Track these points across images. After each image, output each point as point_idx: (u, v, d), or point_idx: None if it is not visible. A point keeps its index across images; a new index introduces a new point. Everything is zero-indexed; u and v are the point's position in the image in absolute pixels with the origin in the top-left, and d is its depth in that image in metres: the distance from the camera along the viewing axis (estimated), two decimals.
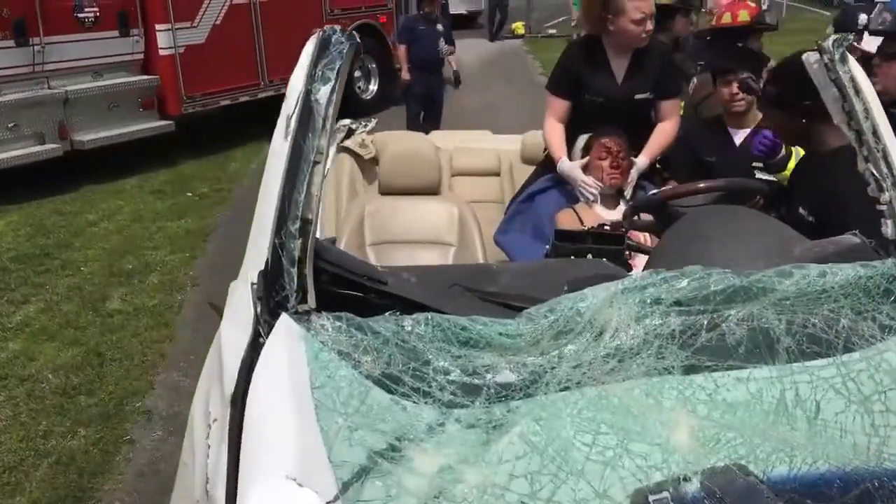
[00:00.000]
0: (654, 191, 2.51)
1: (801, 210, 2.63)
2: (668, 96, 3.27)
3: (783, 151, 2.87)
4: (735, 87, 3.18)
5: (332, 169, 4.10)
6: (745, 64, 3.22)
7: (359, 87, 11.94)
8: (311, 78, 1.93)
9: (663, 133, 3.26)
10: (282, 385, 1.72)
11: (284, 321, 1.81)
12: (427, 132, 5.28)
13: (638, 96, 3.23)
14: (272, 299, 1.85)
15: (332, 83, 1.93)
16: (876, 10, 3.07)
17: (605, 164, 3.10)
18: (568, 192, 3.27)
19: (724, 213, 2.31)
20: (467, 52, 14.35)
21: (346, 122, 4.46)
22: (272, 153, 1.98)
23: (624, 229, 3.05)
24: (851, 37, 2.08)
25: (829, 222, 2.37)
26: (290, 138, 1.91)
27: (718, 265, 2.06)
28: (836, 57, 2.03)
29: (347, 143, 4.25)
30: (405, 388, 1.78)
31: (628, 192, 3.17)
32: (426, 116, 9.38)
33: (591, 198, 3.13)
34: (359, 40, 1.97)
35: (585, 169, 3.15)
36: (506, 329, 1.84)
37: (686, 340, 1.80)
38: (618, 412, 1.71)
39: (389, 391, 1.77)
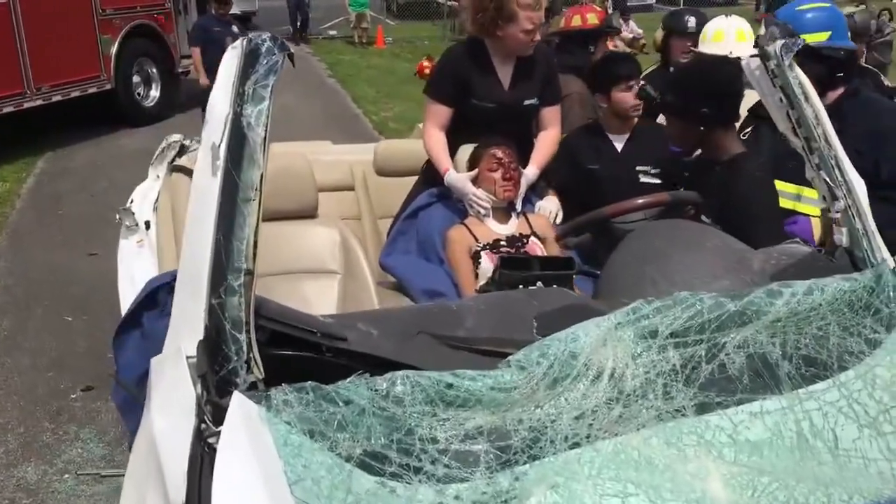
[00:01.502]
0: (596, 211, 2.36)
1: (703, 217, 2.61)
2: (551, 103, 3.15)
3: None
4: (636, 94, 3.13)
5: (166, 193, 3.61)
6: (635, 70, 3.18)
7: (139, 94, 10.99)
8: (239, 98, 1.57)
9: (548, 141, 3.14)
10: (253, 485, 1.37)
11: (238, 402, 1.45)
12: None
13: (526, 102, 3.08)
14: (216, 375, 1.48)
15: (265, 103, 1.58)
16: (764, 22, 3.14)
17: (497, 175, 2.92)
18: (455, 207, 3.05)
19: (671, 227, 2.21)
20: None
21: (177, 137, 3.98)
22: (196, 193, 1.60)
23: (519, 244, 2.92)
24: (801, 42, 2.04)
25: (731, 229, 2.34)
26: (220, 173, 1.54)
27: (683, 284, 1.95)
28: (786, 63, 1.98)
29: (182, 161, 3.77)
30: (392, 466, 1.49)
31: (519, 205, 3.01)
32: None
33: (484, 212, 2.95)
34: (291, 49, 1.63)
35: (475, 181, 2.96)
36: (497, 382, 1.60)
37: (689, 375, 1.66)
38: (641, 468, 1.53)
39: (375, 472, 1.48)
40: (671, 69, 4.20)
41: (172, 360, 1.54)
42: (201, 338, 1.49)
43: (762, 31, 2.91)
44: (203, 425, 1.46)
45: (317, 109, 11.60)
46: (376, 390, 1.55)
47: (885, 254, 1.95)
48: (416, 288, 2.83)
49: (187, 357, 1.49)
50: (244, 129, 1.56)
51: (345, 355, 1.64)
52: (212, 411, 1.46)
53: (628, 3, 17.82)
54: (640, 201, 2.35)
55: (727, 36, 3.70)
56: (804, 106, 1.98)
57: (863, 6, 4.65)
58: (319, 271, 2.92)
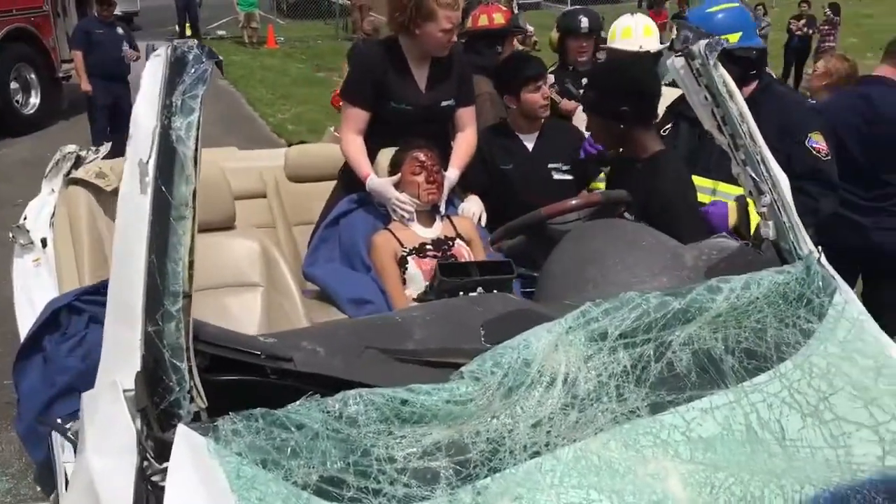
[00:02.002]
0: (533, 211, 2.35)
1: (626, 215, 2.64)
2: (467, 104, 3.13)
3: None
4: (545, 91, 3.14)
5: (63, 207, 3.41)
6: (543, 71, 3.19)
7: (17, 102, 10.39)
8: (167, 109, 1.47)
9: (466, 142, 3.11)
10: None
11: (183, 435, 1.36)
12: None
13: (443, 103, 3.04)
14: (157, 408, 1.39)
15: (196, 114, 1.49)
16: (675, 27, 3.20)
17: (421, 179, 2.87)
18: (377, 212, 2.99)
19: (607, 227, 2.21)
20: None
21: (72, 148, 3.76)
22: (123, 213, 1.49)
23: (445, 247, 2.88)
24: (724, 42, 2.08)
25: (654, 225, 2.38)
26: (150, 190, 1.44)
27: (620, 283, 1.96)
28: (710, 62, 2.01)
29: (78, 173, 3.56)
30: (350, 490, 1.44)
31: (443, 208, 2.98)
32: (114, 129, 8.41)
33: (408, 216, 2.90)
34: (220, 57, 1.54)
35: (398, 185, 2.90)
36: (453, 395, 1.56)
37: (640, 375, 1.66)
38: (602, 472, 1.52)
39: (333, 498, 1.42)
40: (570, 68, 4.26)
41: (107, 395, 1.43)
42: (138, 369, 1.39)
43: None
44: (146, 463, 1.36)
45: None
46: (328, 412, 1.48)
47: (811, 245, 2.01)
48: (343, 297, 2.76)
49: (124, 391, 1.39)
50: (174, 142, 1.46)
51: (291, 376, 1.57)
52: (154, 447, 1.37)
53: (518, 2, 18.11)
54: (574, 202, 2.36)
55: (635, 32, 3.77)
56: (729, 104, 2.02)
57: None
58: (241, 285, 2.80)
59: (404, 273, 2.82)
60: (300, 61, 16.23)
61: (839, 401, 1.72)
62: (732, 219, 2.73)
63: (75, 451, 2.00)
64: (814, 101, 3.87)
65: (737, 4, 3.06)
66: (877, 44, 16.95)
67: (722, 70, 2.03)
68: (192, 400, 1.42)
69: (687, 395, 1.65)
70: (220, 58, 1.54)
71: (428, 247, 2.86)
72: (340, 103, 9.34)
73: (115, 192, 3.59)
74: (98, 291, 3.21)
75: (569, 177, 3.25)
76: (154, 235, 1.43)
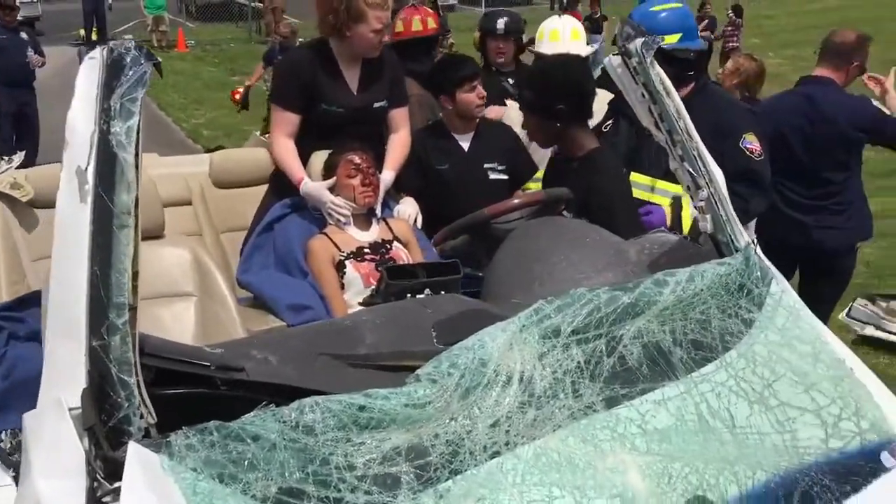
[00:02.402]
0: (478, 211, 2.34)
1: (564, 213, 2.66)
2: (399, 104, 3.11)
3: None
4: (480, 92, 3.13)
5: None
6: (477, 71, 3.19)
7: None
8: (105, 114, 1.41)
9: (400, 143, 3.09)
10: None
11: (135, 453, 1.30)
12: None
13: (376, 105, 3.02)
14: (106, 425, 1.32)
15: (136, 118, 1.43)
16: (618, 25, 3.24)
17: (356, 182, 2.83)
18: (311, 216, 2.94)
19: (550, 225, 2.22)
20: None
21: None
22: (61, 224, 1.42)
23: (383, 250, 2.86)
24: (660, 40, 2.11)
25: (592, 222, 2.41)
26: (90, 198, 1.38)
27: (567, 280, 1.98)
28: (647, 60, 2.04)
29: None
30: (311, 500, 1.40)
31: (379, 210, 2.95)
32: (20, 137, 8.09)
33: (344, 220, 2.86)
34: (158, 59, 1.48)
35: (333, 189, 2.86)
36: (411, 399, 1.54)
37: (593, 370, 1.68)
38: (563, 469, 1.53)
39: None
40: (493, 69, 4.28)
41: (52, 414, 1.35)
42: (84, 385, 1.33)
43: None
44: (96, 483, 1.30)
45: None
46: (284, 421, 1.45)
47: (747, 237, 2.07)
48: (281, 303, 2.70)
49: (69, 409, 1.32)
50: (114, 148, 1.40)
51: (243, 387, 1.52)
52: (104, 467, 1.31)
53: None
54: (517, 201, 2.37)
55: (563, 35, 3.81)
56: (666, 101, 2.06)
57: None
58: (173, 295, 2.71)
59: (342, 277, 2.78)
60: (212, 65, 15.91)
61: (782, 387, 1.77)
62: (669, 221, 2.79)
63: (4, 471, 1.90)
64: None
65: (680, 5, 3.12)
66: (778, 44, 17.72)
67: (658, 68, 2.07)
68: (141, 416, 1.37)
69: (640, 388, 1.68)
70: (159, 59, 1.48)
71: (366, 250, 2.83)
72: (237, 97, 8.99)
73: (31, 202, 3.45)
74: (17, 307, 3.06)
75: (504, 177, 3.26)
76: (96, 245, 1.37)
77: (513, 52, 4.28)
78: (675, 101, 2.07)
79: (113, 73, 1.43)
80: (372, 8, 2.82)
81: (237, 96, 8.79)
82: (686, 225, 2.59)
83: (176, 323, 2.63)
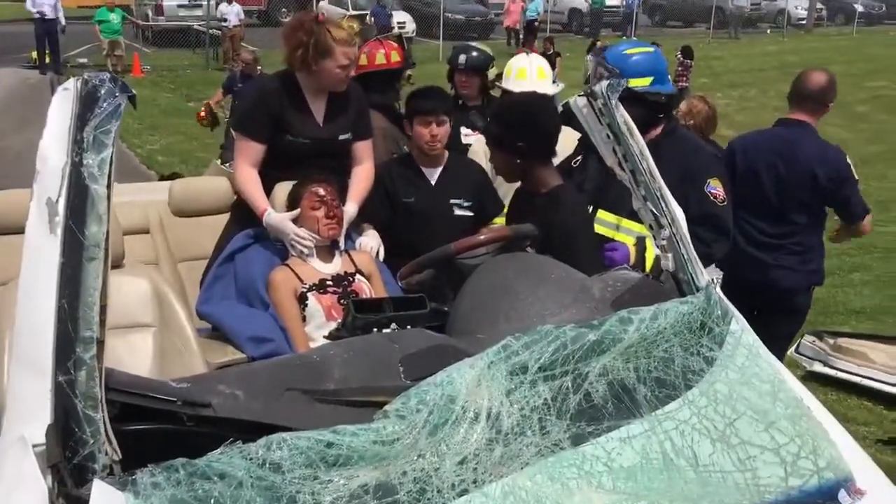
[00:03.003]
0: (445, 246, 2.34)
1: (528, 248, 2.69)
2: (364, 137, 3.12)
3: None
4: (434, 128, 3.13)
5: None
6: (444, 103, 3.21)
7: None
8: (77, 146, 1.39)
9: (364, 176, 3.10)
10: None
11: (100, 491, 1.28)
12: None
13: (341, 137, 3.02)
14: (70, 462, 1.30)
15: (109, 150, 1.42)
16: (591, 66, 3.29)
17: (320, 214, 2.83)
18: (274, 248, 2.92)
19: (515, 261, 2.24)
20: None
21: None
22: (29, 254, 1.39)
23: (346, 283, 2.85)
24: (623, 82, 2.16)
25: (554, 258, 2.44)
26: (60, 230, 1.36)
27: (532, 316, 2.00)
28: (612, 102, 2.09)
29: None
30: None
31: (342, 243, 2.94)
32: None
33: (307, 252, 2.85)
34: (133, 91, 1.47)
35: (296, 220, 2.85)
36: (379, 435, 1.54)
37: (560, 407, 1.69)
38: None
39: None
40: (460, 102, 4.32)
41: (15, 451, 1.32)
42: (49, 422, 1.30)
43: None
44: None
45: None
46: (251, 459, 1.43)
47: (707, 276, 2.11)
48: (242, 335, 2.68)
49: (33, 445, 1.29)
50: (86, 180, 1.38)
51: (210, 423, 1.51)
52: None
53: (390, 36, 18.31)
54: (484, 237, 2.39)
55: (530, 74, 3.86)
56: (630, 142, 2.10)
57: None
58: (131, 325, 2.66)
59: (304, 310, 2.76)
60: (168, 91, 15.75)
61: (742, 425, 1.80)
62: (632, 259, 2.83)
63: None
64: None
65: (652, 49, 3.18)
66: (725, 84, 18.22)
67: (622, 110, 2.12)
68: (105, 452, 1.34)
69: (605, 426, 1.69)
70: (134, 92, 1.48)
71: (328, 283, 2.82)
72: (203, 114, 8.84)
73: None
74: None
75: (469, 213, 3.27)
76: (65, 278, 1.35)
77: (477, 86, 4.33)
78: (638, 142, 2.11)
79: (87, 104, 1.42)
80: (339, 44, 2.85)
81: (203, 113, 8.70)
82: (649, 264, 2.64)
83: (132, 354, 2.58)
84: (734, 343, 1.98)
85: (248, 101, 3.09)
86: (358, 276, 2.87)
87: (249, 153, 2.96)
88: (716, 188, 3.04)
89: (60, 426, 1.30)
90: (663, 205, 2.10)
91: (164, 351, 2.66)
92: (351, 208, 2.99)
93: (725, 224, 3.09)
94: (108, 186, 1.42)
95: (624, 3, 25.35)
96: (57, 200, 1.36)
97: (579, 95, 2.15)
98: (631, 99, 2.36)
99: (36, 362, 1.33)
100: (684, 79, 14.59)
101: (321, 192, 2.85)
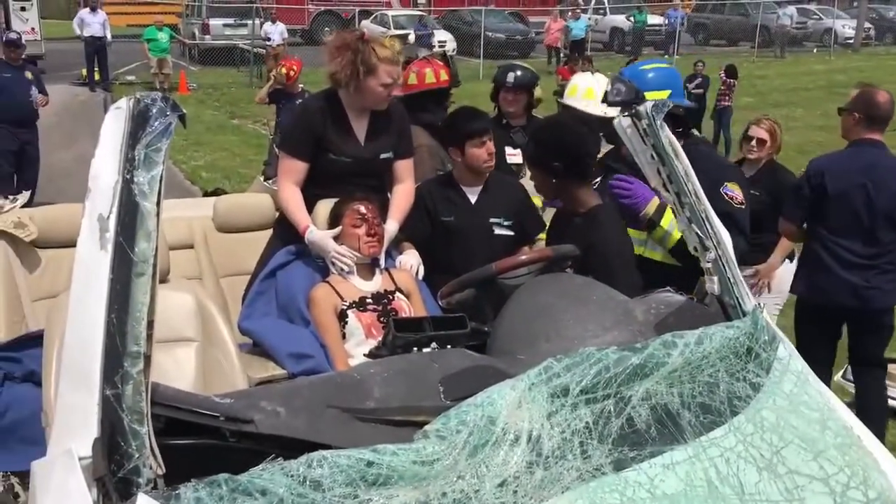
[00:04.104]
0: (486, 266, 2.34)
1: (568, 269, 2.68)
2: (405, 156, 3.14)
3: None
4: (490, 147, 3.15)
5: None
6: (488, 122, 3.22)
7: None
8: (129, 163, 1.42)
9: (404, 195, 3.12)
10: None
11: None
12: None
13: (382, 156, 3.05)
14: (115, 476, 1.31)
15: (159, 168, 1.44)
16: (610, 80, 3.34)
17: (361, 231, 2.85)
18: (315, 264, 2.95)
19: (557, 282, 2.23)
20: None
21: None
22: (80, 270, 1.42)
23: (386, 301, 2.86)
24: (670, 103, 2.15)
25: (593, 276, 2.42)
26: (111, 245, 1.38)
27: (573, 338, 1.98)
28: (657, 123, 2.08)
29: None
30: None
31: (382, 261, 2.96)
32: (21, 177, 8.09)
33: (347, 269, 2.86)
34: (183, 110, 1.50)
35: (338, 238, 2.87)
36: (419, 455, 1.53)
37: (602, 431, 1.67)
38: None
39: None
40: (504, 121, 4.33)
41: (62, 464, 1.34)
42: (96, 435, 1.31)
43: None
44: None
45: None
46: (293, 476, 1.44)
47: (753, 300, 2.08)
48: (282, 352, 2.70)
49: (80, 458, 1.30)
50: (136, 197, 1.41)
51: (251, 439, 1.51)
52: None
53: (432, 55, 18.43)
54: (525, 257, 2.38)
55: (597, 95, 3.86)
56: (675, 163, 2.08)
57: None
58: (174, 340, 2.70)
59: (344, 327, 2.77)
60: (213, 108, 16.01)
61: (790, 454, 1.76)
62: (651, 211, 2.88)
63: None
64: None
65: (667, 65, 3.20)
66: (770, 103, 18.01)
67: (667, 130, 2.10)
68: (150, 467, 1.36)
69: (648, 451, 1.67)
70: (184, 111, 1.50)
71: (368, 300, 2.83)
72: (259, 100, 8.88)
73: (35, 243, 3.46)
74: (14, 347, 3.05)
75: (509, 232, 3.27)
76: (114, 293, 1.37)
77: (523, 105, 4.33)
78: (683, 162, 2.09)
79: (139, 123, 1.45)
80: (383, 62, 2.87)
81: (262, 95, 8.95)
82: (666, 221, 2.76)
83: (176, 368, 2.61)
84: (782, 369, 1.94)
85: (294, 121, 3.12)
86: (398, 294, 2.88)
87: (292, 171, 2.99)
88: (733, 190, 3.06)
89: (106, 440, 1.31)
90: (708, 227, 2.08)
91: (206, 365, 2.69)
92: (392, 226, 3.00)
93: (741, 223, 3.06)
94: (158, 203, 1.44)
95: (666, 21, 25.20)
96: (108, 217, 1.39)
97: (623, 116, 2.14)
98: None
99: (84, 376, 1.35)
100: (727, 98, 14.47)
101: (362, 210, 2.87)
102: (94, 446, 1.30)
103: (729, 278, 2.08)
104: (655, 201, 2.87)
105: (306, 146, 2.98)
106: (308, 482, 1.44)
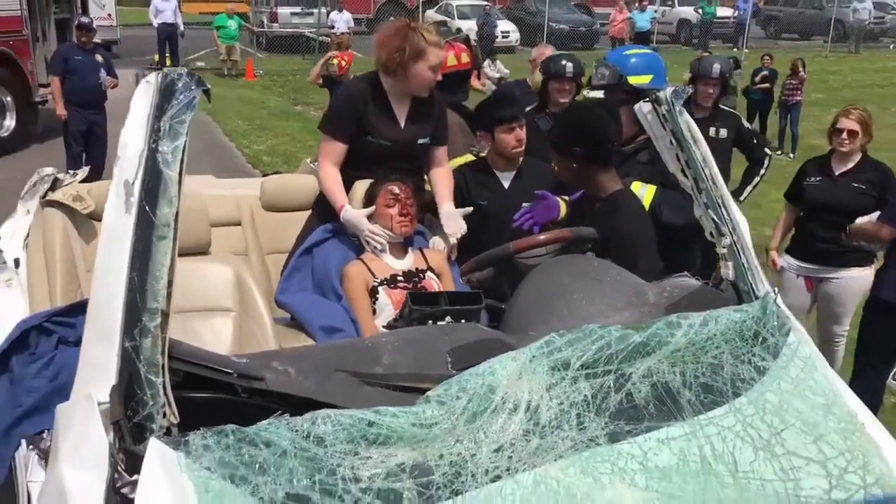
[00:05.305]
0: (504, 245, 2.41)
1: (590, 252, 2.72)
2: (441, 143, 3.23)
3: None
4: (519, 133, 3.22)
5: (38, 229, 3.43)
6: (520, 109, 3.28)
7: None
8: (155, 133, 1.53)
9: (446, 175, 3.21)
10: None
11: (155, 448, 1.40)
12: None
13: (420, 141, 3.13)
14: (131, 421, 1.42)
15: (182, 139, 1.55)
16: (595, 65, 3.43)
17: (394, 211, 2.94)
18: (350, 242, 3.05)
19: (573, 263, 2.29)
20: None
21: (50, 170, 3.79)
22: (107, 232, 1.53)
23: (416, 279, 2.94)
24: (689, 89, 2.18)
25: (614, 261, 2.45)
26: (134, 210, 1.49)
27: (585, 317, 2.03)
28: (676, 108, 2.11)
29: (55, 195, 3.58)
30: None
31: (416, 240, 3.04)
32: (89, 156, 8.41)
33: (380, 248, 2.96)
34: (208, 85, 1.60)
35: (371, 217, 2.97)
36: (418, 418, 1.61)
37: (600, 405, 1.72)
38: (561, 498, 1.58)
39: None
40: (546, 112, 4.37)
41: (83, 408, 1.46)
42: (114, 383, 1.43)
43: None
44: (116, 475, 1.39)
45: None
46: (297, 431, 1.53)
47: (768, 286, 2.10)
48: (314, 324, 2.80)
49: (99, 403, 1.42)
50: (160, 165, 1.52)
51: (262, 395, 1.61)
52: (126, 460, 1.40)
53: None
54: (543, 237, 2.44)
55: None
56: (693, 149, 2.11)
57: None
58: (213, 309, 2.83)
59: (375, 303, 2.86)
60: (278, 94, 16.32)
61: (790, 436, 1.79)
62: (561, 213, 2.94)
63: (44, 469, 2.01)
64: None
65: (649, 51, 3.30)
66: (841, 99, 17.50)
67: (687, 116, 2.13)
68: (164, 415, 1.46)
69: (645, 426, 1.72)
70: (209, 86, 1.60)
71: (399, 278, 2.91)
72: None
73: (92, 215, 3.63)
74: (69, 313, 3.22)
75: None
76: (136, 254, 1.47)
77: (573, 94, 4.38)
78: (701, 149, 2.12)
79: (164, 96, 1.55)
80: (431, 46, 2.96)
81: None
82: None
83: (213, 336, 2.74)
84: (790, 355, 1.96)
85: (337, 103, 3.22)
86: (429, 273, 2.96)
87: (332, 152, 3.10)
88: None
89: (124, 387, 1.42)
90: (724, 212, 2.10)
91: (242, 335, 2.82)
92: (448, 206, 3.08)
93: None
94: (180, 172, 1.54)
95: (736, 13, 24.67)
96: (133, 183, 1.50)
97: (644, 101, 2.17)
98: (633, 95, 2.40)
99: (106, 329, 1.46)
100: (798, 93, 14.12)
101: (396, 190, 2.96)
102: (112, 393, 1.42)
103: (743, 264, 2.10)
104: (562, 204, 2.94)
105: (346, 128, 3.07)
106: (312, 437, 1.53)
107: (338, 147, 3.09)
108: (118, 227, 1.50)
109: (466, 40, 4.64)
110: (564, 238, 2.44)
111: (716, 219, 2.11)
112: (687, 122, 2.13)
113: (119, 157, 1.55)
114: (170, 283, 1.51)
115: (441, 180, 3.18)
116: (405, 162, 3.10)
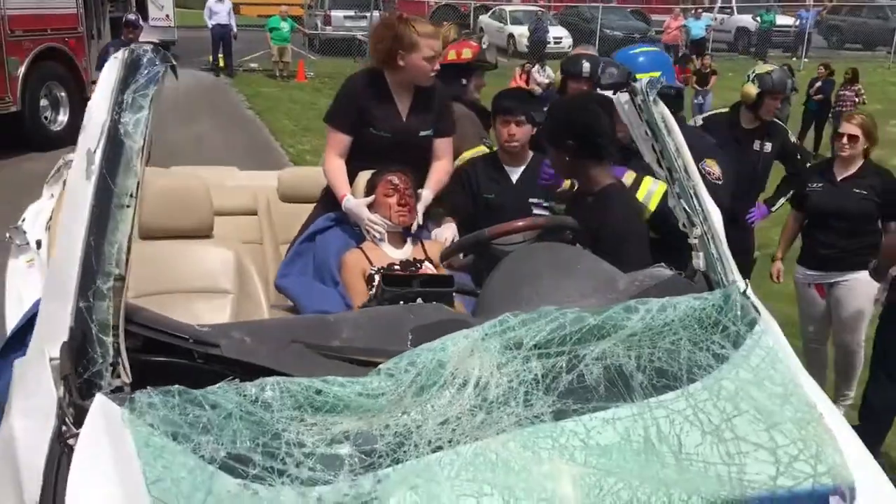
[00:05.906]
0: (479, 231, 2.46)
1: (578, 246, 2.73)
2: (444, 135, 3.27)
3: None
4: (512, 128, 3.26)
5: (60, 212, 3.57)
6: (522, 104, 3.32)
7: (46, 118, 10.76)
8: (118, 106, 1.61)
9: (442, 169, 3.25)
10: (107, 485, 1.39)
11: (100, 403, 1.47)
12: None
13: (422, 133, 3.19)
14: (80, 377, 1.50)
15: (144, 112, 1.63)
16: (602, 64, 3.45)
17: (393, 201, 3.00)
18: (352, 231, 3.12)
19: (547, 250, 2.31)
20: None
21: (73, 156, 3.94)
22: (69, 197, 1.62)
23: (413, 268, 2.99)
24: (664, 80, 2.20)
25: (604, 255, 2.46)
26: (94, 178, 1.57)
27: (552, 303, 2.05)
28: (650, 98, 2.12)
29: None
30: (256, 468, 1.53)
31: (415, 229, 3.10)
32: None
33: (379, 236, 3.02)
34: (173, 62, 1.68)
35: (371, 207, 3.04)
36: (365, 388, 1.66)
37: (549, 384, 1.75)
38: (498, 469, 1.60)
39: (238, 475, 1.52)
40: None
41: (35, 362, 1.55)
42: (65, 339, 1.51)
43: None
44: (63, 427, 1.47)
45: (233, 140, 11.56)
46: (245, 395, 1.59)
47: (737, 276, 2.09)
48: (309, 308, 2.87)
49: (50, 359, 1.50)
50: (121, 136, 1.60)
51: (217, 361, 1.68)
52: (73, 413, 1.48)
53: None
54: (519, 224, 2.47)
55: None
56: (667, 139, 2.12)
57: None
58: (212, 290, 2.93)
59: (370, 290, 2.93)
60: (328, 96, 16.45)
61: (741, 423, 1.78)
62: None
63: None
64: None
65: (656, 49, 3.31)
66: None
67: (662, 107, 2.14)
68: (116, 374, 1.54)
69: (592, 406, 1.73)
70: (174, 62, 1.68)
71: (395, 266, 2.97)
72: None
73: None
74: None
75: (548, 212, 3.35)
76: (94, 219, 1.56)
77: None
78: (675, 139, 2.13)
79: (130, 71, 1.64)
80: (423, 37, 3.02)
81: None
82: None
83: (211, 316, 2.83)
84: (752, 344, 1.95)
85: (339, 96, 3.30)
86: (426, 263, 3.01)
87: (336, 144, 3.18)
88: (710, 167, 3.16)
89: (75, 345, 1.50)
90: (696, 202, 2.11)
91: (239, 317, 2.91)
92: (426, 194, 3.14)
93: (718, 197, 3.04)
94: (143, 145, 1.62)
95: (797, 22, 24.20)
96: (95, 151, 1.58)
97: (622, 91, 2.19)
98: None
99: (62, 289, 1.55)
100: (850, 104, 13.81)
101: (395, 180, 3.02)
102: (63, 349, 1.50)
103: (713, 254, 2.10)
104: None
105: (349, 120, 3.15)
106: (259, 402, 1.59)
107: (342, 139, 3.17)
108: (79, 192, 1.59)
109: (479, 40, 4.69)
110: (539, 225, 2.46)
111: (687, 209, 2.12)
112: (661, 112, 2.14)
113: (84, 126, 1.64)
114: (128, 249, 1.59)
115: (434, 170, 3.23)
116: (407, 153, 3.16)
